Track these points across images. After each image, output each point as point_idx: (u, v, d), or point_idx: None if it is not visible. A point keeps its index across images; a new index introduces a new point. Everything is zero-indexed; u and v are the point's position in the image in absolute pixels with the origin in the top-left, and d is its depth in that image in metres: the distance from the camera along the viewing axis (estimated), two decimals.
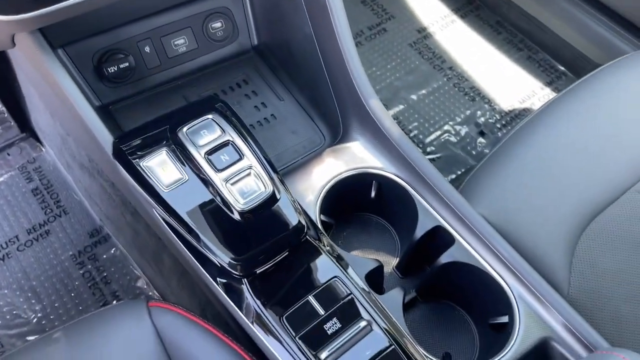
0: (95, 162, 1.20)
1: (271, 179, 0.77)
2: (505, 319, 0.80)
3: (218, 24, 1.04)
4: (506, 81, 1.77)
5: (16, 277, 1.36)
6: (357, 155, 0.92)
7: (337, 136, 0.96)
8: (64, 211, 1.46)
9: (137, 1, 0.94)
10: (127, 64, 0.97)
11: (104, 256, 1.40)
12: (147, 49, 0.99)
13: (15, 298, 1.33)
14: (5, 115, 1.52)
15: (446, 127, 1.67)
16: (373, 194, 0.93)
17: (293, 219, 0.76)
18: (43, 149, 1.55)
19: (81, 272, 1.38)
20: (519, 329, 0.77)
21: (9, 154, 1.53)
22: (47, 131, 1.42)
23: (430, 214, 0.86)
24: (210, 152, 0.77)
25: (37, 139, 1.55)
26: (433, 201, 0.87)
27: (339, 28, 0.89)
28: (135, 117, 0.98)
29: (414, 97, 1.72)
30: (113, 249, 1.41)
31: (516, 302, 0.79)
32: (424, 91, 1.73)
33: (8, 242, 1.40)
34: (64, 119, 1.18)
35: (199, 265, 0.76)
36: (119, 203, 1.22)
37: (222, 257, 0.73)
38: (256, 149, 0.79)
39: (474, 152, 1.63)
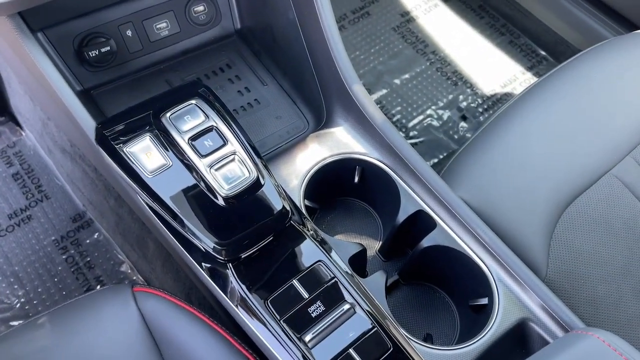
0: (78, 147, 1.19)
1: (255, 164, 0.77)
2: (485, 300, 0.82)
3: (200, 8, 1.03)
4: (488, 66, 1.78)
5: None
6: (341, 141, 0.93)
7: (321, 121, 0.97)
8: (46, 196, 1.44)
9: None
10: (108, 48, 0.96)
11: (87, 241, 1.40)
12: (128, 32, 0.98)
13: None
14: None
15: (429, 112, 1.68)
16: (356, 179, 0.94)
17: (277, 204, 0.77)
18: (23, 133, 1.52)
19: (64, 257, 1.37)
20: (498, 310, 0.79)
21: None
22: (27, 115, 1.40)
23: (413, 198, 0.87)
24: (194, 138, 0.77)
25: (17, 123, 1.52)
26: (415, 186, 0.88)
27: (323, 13, 0.89)
28: (118, 102, 0.97)
29: (397, 81, 1.73)
30: (96, 234, 1.41)
31: (496, 285, 0.81)
32: (407, 75, 1.74)
33: None
34: (44, 103, 1.17)
35: (184, 251, 0.77)
36: (102, 188, 1.22)
37: (206, 242, 0.73)
38: (240, 135, 0.79)
39: (456, 137, 1.65)
